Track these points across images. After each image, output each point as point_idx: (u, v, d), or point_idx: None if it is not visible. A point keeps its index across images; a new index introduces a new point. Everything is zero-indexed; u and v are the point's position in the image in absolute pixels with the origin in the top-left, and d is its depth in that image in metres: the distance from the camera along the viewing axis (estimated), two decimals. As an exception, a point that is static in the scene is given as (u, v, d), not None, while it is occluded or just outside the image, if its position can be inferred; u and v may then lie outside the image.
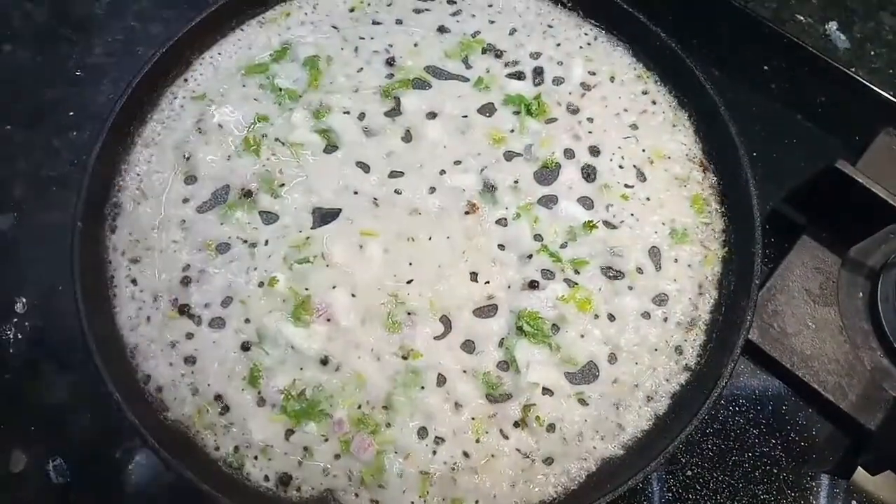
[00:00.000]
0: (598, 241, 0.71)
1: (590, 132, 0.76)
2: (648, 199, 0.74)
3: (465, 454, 0.62)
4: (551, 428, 0.64)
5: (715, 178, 0.75)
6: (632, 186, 0.74)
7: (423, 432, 0.63)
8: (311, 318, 0.66)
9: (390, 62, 0.79)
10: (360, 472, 0.61)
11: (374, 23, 0.82)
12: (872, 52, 0.99)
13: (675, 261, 0.71)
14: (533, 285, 0.68)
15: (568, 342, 0.67)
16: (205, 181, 0.72)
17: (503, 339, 0.67)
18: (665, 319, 0.69)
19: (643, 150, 0.76)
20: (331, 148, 0.74)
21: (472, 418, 0.63)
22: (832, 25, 1.01)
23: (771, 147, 0.89)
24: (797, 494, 0.73)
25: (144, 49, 0.95)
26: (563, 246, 0.71)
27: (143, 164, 0.73)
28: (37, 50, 0.95)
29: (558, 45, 0.82)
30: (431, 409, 0.63)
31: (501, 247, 0.70)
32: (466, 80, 0.79)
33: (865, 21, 1.02)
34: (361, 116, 0.76)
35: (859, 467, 0.72)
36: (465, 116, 0.76)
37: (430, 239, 0.70)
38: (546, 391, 0.65)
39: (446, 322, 0.67)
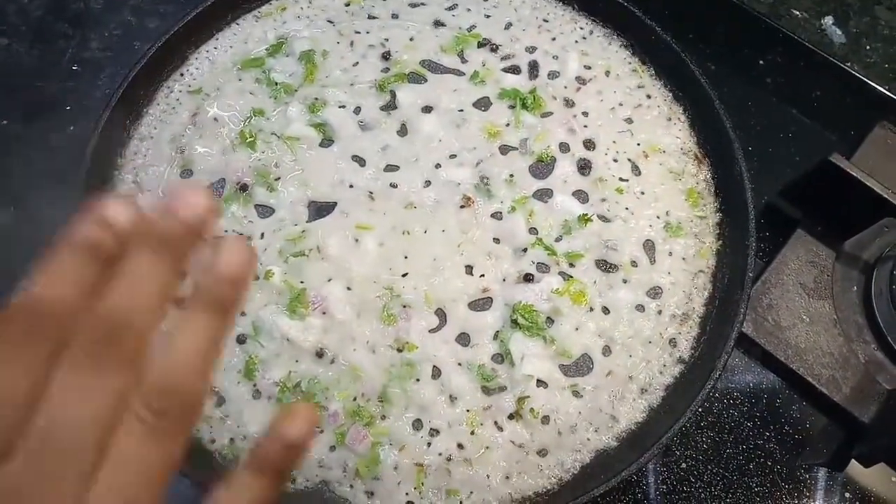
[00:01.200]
0: (593, 235, 0.71)
1: (585, 126, 0.77)
2: (643, 192, 0.74)
3: (460, 446, 0.63)
4: (545, 420, 0.64)
5: (710, 172, 0.76)
6: (626, 180, 0.74)
7: (417, 424, 0.63)
8: (306, 311, 0.66)
9: (386, 56, 0.79)
10: (354, 464, 0.62)
11: (370, 17, 0.82)
12: (868, 47, 0.99)
13: (670, 254, 0.72)
14: (528, 278, 0.68)
15: (562, 335, 0.67)
16: (200, 175, 0.73)
17: (498, 331, 0.67)
18: (659, 312, 0.69)
19: (638, 144, 0.76)
20: (326, 142, 0.75)
21: (467, 410, 0.64)
22: (828, 20, 1.01)
23: (766, 141, 0.89)
24: (791, 487, 0.73)
25: (141, 43, 0.95)
26: (557, 239, 0.71)
27: (140, 158, 0.73)
28: (33, 44, 0.95)
29: (553, 39, 0.82)
30: (426, 402, 0.64)
31: (496, 240, 0.70)
32: (462, 74, 0.79)
33: (861, 16, 1.02)
34: (357, 110, 0.76)
35: (853, 460, 0.72)
36: (461, 110, 0.76)
37: (425, 232, 0.70)
38: (540, 383, 0.65)
39: (441, 315, 0.67)
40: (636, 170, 0.75)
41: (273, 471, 0.34)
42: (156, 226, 0.31)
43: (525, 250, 0.70)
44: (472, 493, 0.61)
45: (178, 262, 0.31)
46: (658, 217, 0.73)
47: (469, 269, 0.69)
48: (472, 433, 0.63)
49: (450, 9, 0.83)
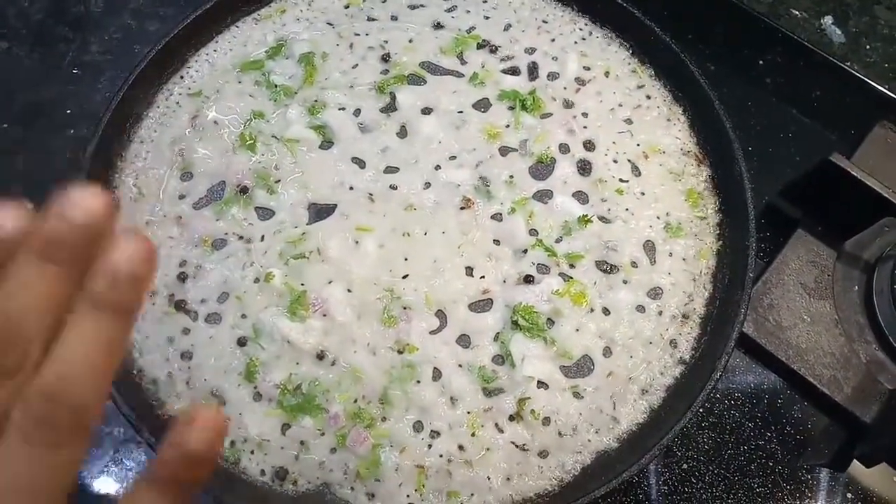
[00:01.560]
0: (593, 236, 0.71)
1: (584, 127, 0.77)
2: (643, 193, 0.74)
3: (461, 448, 0.63)
4: (546, 421, 0.64)
5: (710, 173, 0.76)
6: (626, 181, 0.74)
7: (418, 426, 0.63)
8: (306, 313, 0.66)
9: (385, 58, 0.79)
10: (355, 466, 0.62)
11: (369, 19, 0.82)
12: (868, 47, 0.99)
13: (670, 255, 0.71)
14: (528, 280, 0.68)
15: (563, 336, 0.67)
16: (201, 177, 0.73)
17: (498, 333, 0.67)
18: (660, 313, 0.69)
19: (638, 145, 0.76)
20: (326, 144, 0.75)
21: (468, 412, 0.64)
22: (827, 20, 1.01)
23: (766, 141, 0.89)
24: (793, 487, 0.73)
25: (141, 47, 0.95)
26: (557, 240, 0.71)
27: (140, 161, 0.73)
28: (33, 48, 0.95)
29: (553, 40, 0.82)
30: (427, 403, 0.64)
31: (496, 241, 0.70)
32: (461, 75, 0.79)
33: (860, 15, 1.02)
34: (357, 112, 0.76)
35: (855, 460, 0.72)
36: (461, 112, 0.77)
37: (425, 234, 0.70)
38: (541, 385, 0.65)
39: (441, 316, 0.67)
40: (636, 170, 0.75)
41: (175, 487, 0.31)
42: (44, 228, 0.28)
43: (525, 251, 0.70)
44: (472, 494, 0.61)
45: (71, 268, 0.28)
46: (658, 218, 0.73)
47: (469, 271, 0.69)
48: (473, 435, 0.63)
49: (449, 10, 0.83)
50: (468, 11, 0.83)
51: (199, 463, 0.30)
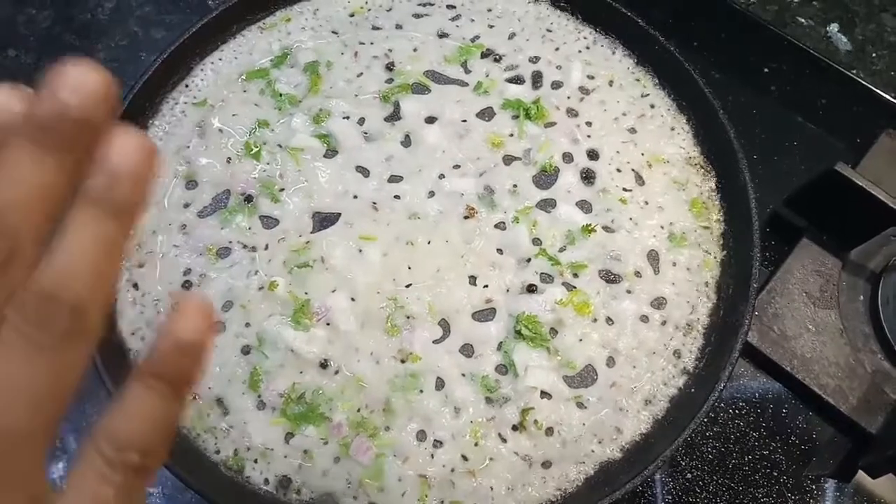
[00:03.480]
0: (597, 245, 0.71)
1: (588, 136, 0.77)
2: (647, 202, 0.74)
3: (464, 457, 0.63)
4: (549, 431, 0.64)
5: (714, 182, 0.76)
6: (630, 190, 0.74)
7: (421, 435, 0.63)
8: (310, 321, 0.66)
9: (390, 67, 0.79)
10: (359, 476, 0.62)
11: (374, 28, 0.83)
12: (874, 55, 0.99)
13: (674, 264, 0.71)
14: (531, 289, 0.68)
15: (566, 346, 0.67)
16: (205, 186, 0.73)
17: (501, 342, 0.67)
18: (663, 323, 0.69)
19: (642, 154, 0.76)
20: (331, 153, 0.75)
21: (471, 422, 0.64)
22: (833, 27, 1.01)
23: (771, 149, 0.89)
24: (797, 497, 0.73)
25: (147, 54, 0.96)
26: (561, 250, 0.71)
27: (145, 170, 0.74)
28: (40, 55, 0.96)
29: (557, 49, 0.82)
30: (430, 413, 0.64)
31: (500, 251, 0.70)
32: (465, 84, 0.79)
33: (867, 23, 1.02)
34: (361, 121, 0.76)
35: (860, 470, 0.72)
36: (465, 121, 0.77)
37: (428, 243, 0.70)
38: (544, 395, 0.65)
39: (445, 326, 0.67)
40: (640, 180, 0.75)
41: (167, 381, 0.29)
42: (36, 113, 0.25)
43: (529, 261, 0.70)
44: (475, 504, 0.61)
45: (68, 156, 0.25)
46: (662, 227, 0.73)
47: (472, 280, 0.69)
48: (476, 444, 0.63)
49: (453, 19, 0.83)
50: (472, 20, 0.83)
51: (192, 355, 0.29)
